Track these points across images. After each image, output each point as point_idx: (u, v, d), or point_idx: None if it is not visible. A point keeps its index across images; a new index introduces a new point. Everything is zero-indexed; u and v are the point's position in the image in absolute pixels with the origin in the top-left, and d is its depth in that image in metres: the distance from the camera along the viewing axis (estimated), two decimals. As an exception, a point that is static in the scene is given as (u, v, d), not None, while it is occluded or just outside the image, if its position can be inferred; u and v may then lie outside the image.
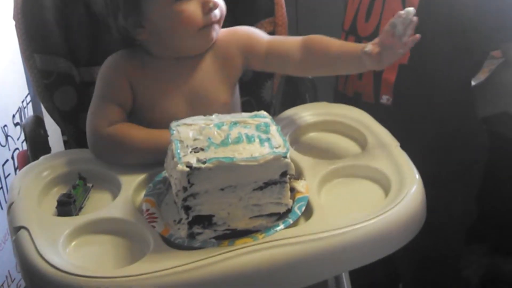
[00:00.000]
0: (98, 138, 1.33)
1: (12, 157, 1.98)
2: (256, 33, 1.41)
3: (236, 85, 1.42)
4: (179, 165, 1.07)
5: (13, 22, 1.49)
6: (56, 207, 1.21)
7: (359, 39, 1.59)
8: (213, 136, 1.13)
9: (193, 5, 1.31)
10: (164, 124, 1.23)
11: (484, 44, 1.53)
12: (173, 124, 1.18)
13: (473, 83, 1.64)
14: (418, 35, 1.22)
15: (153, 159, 1.27)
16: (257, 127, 1.16)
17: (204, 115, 1.22)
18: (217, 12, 1.33)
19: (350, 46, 1.34)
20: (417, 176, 1.21)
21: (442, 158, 1.59)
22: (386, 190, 1.21)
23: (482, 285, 2.11)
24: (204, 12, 1.31)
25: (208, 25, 1.33)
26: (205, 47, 1.37)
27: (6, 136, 1.95)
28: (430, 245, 1.55)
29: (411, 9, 1.20)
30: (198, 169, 1.07)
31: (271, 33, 1.54)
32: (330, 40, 1.34)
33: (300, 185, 1.20)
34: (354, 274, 1.42)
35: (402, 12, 1.20)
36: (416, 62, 1.51)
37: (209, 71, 1.38)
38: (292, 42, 1.37)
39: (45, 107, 1.54)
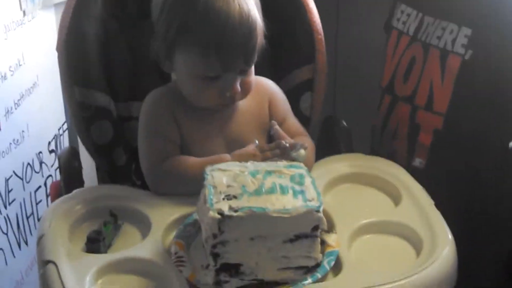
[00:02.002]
0: (156, 175, 1.36)
1: (45, 184, 1.99)
2: (287, 109, 1.47)
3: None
4: (210, 212, 1.07)
5: (56, 53, 1.51)
6: (86, 243, 1.21)
7: (396, 99, 1.60)
8: (247, 184, 1.13)
9: (214, 87, 1.32)
10: None
11: None
12: (208, 169, 1.18)
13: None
14: None
15: None
16: (292, 178, 1.15)
17: None
18: (236, 97, 1.35)
19: None
20: (450, 236, 1.20)
21: (475, 219, 1.57)
22: (418, 249, 1.19)
23: None
24: (222, 94, 1.33)
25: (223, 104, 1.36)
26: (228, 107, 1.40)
27: (41, 162, 1.97)
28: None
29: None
30: (230, 217, 1.06)
31: (311, 80, 1.54)
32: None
33: (331, 238, 1.19)
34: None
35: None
36: (451, 127, 1.51)
37: (245, 117, 1.40)
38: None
39: (81, 139, 1.54)
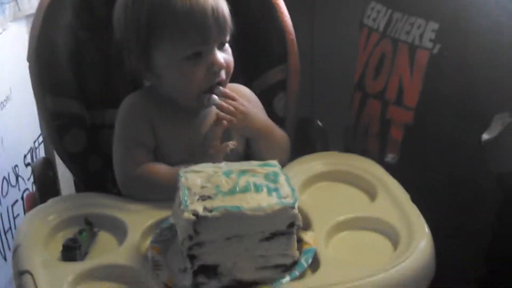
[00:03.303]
0: (128, 181, 1.37)
1: (22, 198, 1.97)
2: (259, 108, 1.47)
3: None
4: (185, 213, 1.06)
5: (27, 63, 1.50)
6: (61, 252, 1.20)
7: (365, 95, 1.61)
8: (221, 184, 1.12)
9: (199, 67, 1.33)
10: None
11: (492, 107, 1.52)
12: (182, 171, 1.18)
13: (485, 137, 1.63)
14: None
15: None
16: (266, 176, 1.15)
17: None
18: (222, 73, 1.35)
19: None
20: (427, 230, 1.20)
21: (451, 212, 1.57)
22: (395, 243, 1.19)
23: None
24: (209, 74, 1.33)
25: (211, 88, 1.35)
26: (206, 108, 1.39)
27: (17, 176, 1.96)
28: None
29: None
30: (205, 217, 1.06)
31: (284, 81, 1.54)
32: None
33: (307, 236, 1.19)
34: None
35: None
36: (422, 121, 1.52)
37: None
38: None
39: (55, 148, 1.54)
